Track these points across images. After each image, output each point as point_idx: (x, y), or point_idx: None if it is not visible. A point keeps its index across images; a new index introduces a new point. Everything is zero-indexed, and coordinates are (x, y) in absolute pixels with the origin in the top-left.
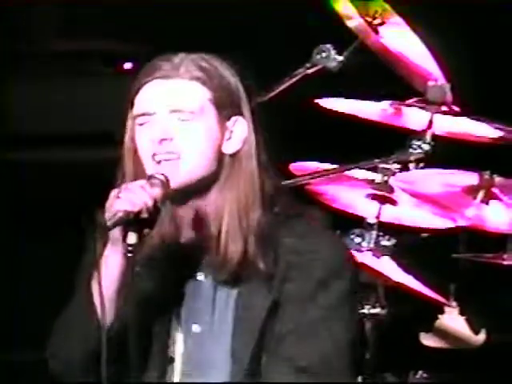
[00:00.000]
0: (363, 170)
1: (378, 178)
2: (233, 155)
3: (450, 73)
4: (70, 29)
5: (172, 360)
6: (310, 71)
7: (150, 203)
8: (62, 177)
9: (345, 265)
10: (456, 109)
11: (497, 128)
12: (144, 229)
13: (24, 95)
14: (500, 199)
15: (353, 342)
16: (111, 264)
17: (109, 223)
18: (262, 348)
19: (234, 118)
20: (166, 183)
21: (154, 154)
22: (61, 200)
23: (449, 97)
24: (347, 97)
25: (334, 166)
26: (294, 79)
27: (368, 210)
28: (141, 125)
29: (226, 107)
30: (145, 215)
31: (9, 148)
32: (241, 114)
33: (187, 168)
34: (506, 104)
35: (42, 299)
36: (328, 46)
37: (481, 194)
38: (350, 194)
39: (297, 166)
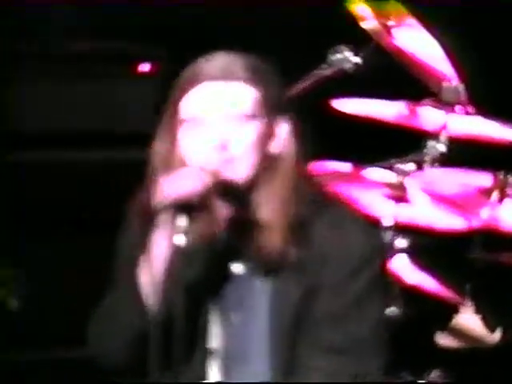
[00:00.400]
0: (379, 171)
1: (393, 178)
2: (276, 155)
3: (464, 73)
4: (79, 29)
5: (212, 351)
6: (325, 72)
7: (201, 189)
8: (62, 177)
9: (377, 251)
10: (470, 109)
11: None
12: (192, 213)
13: (30, 95)
14: None
15: (384, 323)
16: (159, 248)
17: (159, 206)
18: (297, 335)
19: (279, 118)
20: (216, 173)
21: (208, 161)
22: (61, 200)
23: (463, 97)
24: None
25: (350, 166)
26: (310, 80)
27: (383, 210)
28: (190, 129)
29: (272, 108)
30: (194, 201)
31: (9, 148)
32: (285, 113)
33: (239, 171)
34: None
35: (42, 299)
36: (343, 46)
37: (495, 194)
38: (366, 194)
39: (313, 167)
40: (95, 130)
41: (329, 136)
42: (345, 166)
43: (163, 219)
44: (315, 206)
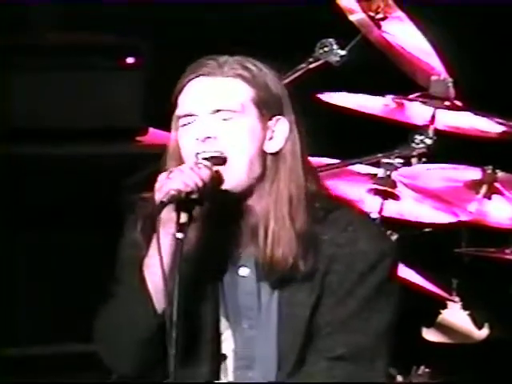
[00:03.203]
0: (366, 165)
1: (380, 172)
2: (275, 155)
3: (452, 67)
4: (70, 22)
5: (225, 357)
6: (312, 66)
7: (201, 184)
8: (60, 172)
9: (384, 255)
10: (459, 103)
11: (499, 123)
12: (193, 209)
13: (22, 89)
14: (502, 194)
15: (390, 331)
16: (162, 246)
17: (163, 199)
18: (306, 342)
19: (275, 118)
20: (211, 168)
21: (197, 153)
22: (61, 197)
23: (451, 91)
24: (349, 91)
25: (337, 161)
26: (297, 74)
27: (371, 205)
28: (184, 125)
29: (267, 106)
30: (195, 196)
31: (8, 143)
32: (282, 113)
33: (235, 169)
34: (508, 99)
35: (41, 297)
36: (330, 40)
37: (483, 189)
38: (353, 189)
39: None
40: (93, 125)
41: (316, 130)
42: (332, 161)
43: (164, 217)
44: (322, 210)
